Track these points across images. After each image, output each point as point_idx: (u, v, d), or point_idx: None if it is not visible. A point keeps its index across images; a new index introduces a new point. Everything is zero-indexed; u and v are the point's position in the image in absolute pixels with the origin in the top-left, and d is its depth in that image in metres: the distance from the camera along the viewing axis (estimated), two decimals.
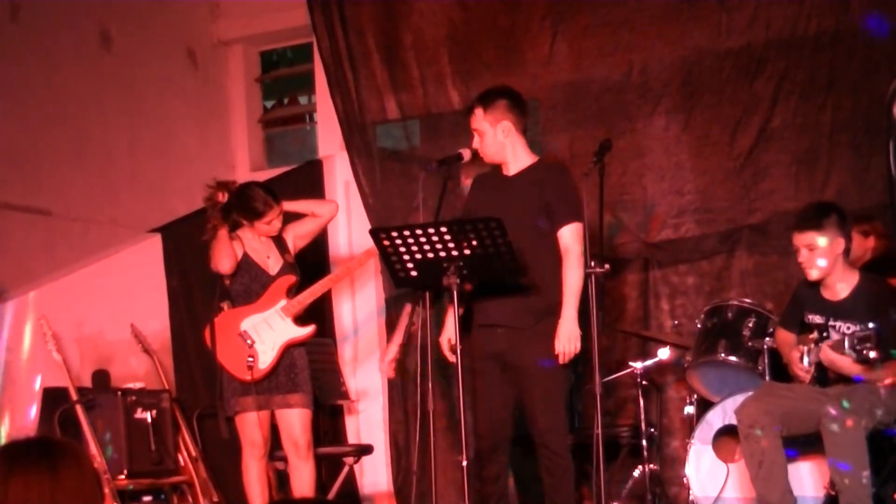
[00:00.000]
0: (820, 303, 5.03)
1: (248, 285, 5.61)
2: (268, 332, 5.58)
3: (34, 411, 6.33)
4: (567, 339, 5.01)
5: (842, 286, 4.99)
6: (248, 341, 5.53)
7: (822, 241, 4.92)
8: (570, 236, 5.09)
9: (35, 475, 2.33)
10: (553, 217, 5.11)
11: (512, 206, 5.07)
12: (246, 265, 5.61)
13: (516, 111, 5.25)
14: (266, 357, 5.53)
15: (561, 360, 5.04)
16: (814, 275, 4.98)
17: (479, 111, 5.23)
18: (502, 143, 5.22)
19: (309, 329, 5.66)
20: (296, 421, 5.59)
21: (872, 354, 4.67)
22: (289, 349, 5.59)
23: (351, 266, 5.99)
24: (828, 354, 4.87)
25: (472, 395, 5.14)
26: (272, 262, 5.67)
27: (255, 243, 5.67)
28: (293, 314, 5.62)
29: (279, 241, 5.74)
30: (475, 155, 5.33)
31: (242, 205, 5.61)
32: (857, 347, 4.69)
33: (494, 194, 5.26)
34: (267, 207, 5.61)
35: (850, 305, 4.95)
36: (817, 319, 5.03)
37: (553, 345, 5.04)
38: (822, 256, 4.94)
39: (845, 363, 4.83)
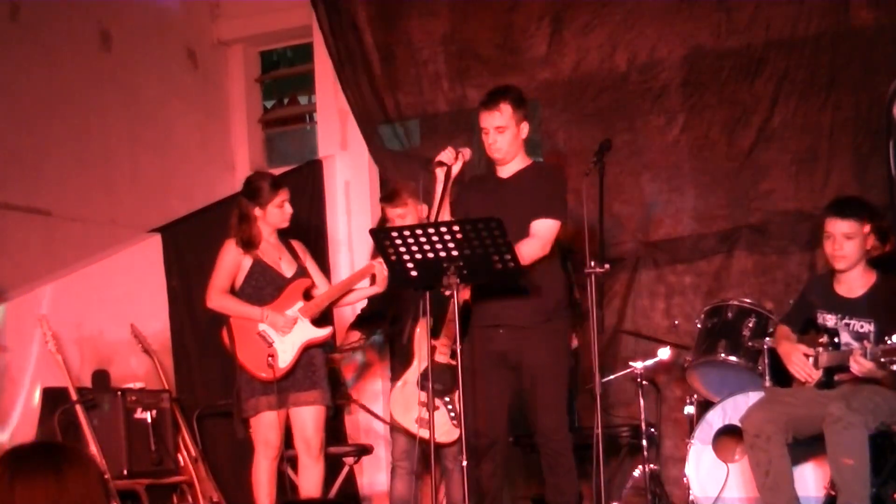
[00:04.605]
0: (833, 300, 5.01)
1: (260, 287, 5.59)
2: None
3: (25, 412, 6.34)
4: None
5: (859, 283, 4.98)
6: (268, 341, 5.54)
7: (861, 231, 4.92)
8: (542, 227, 5.05)
9: (41, 479, 2.32)
10: (536, 212, 5.08)
11: (507, 208, 4.97)
12: (259, 268, 5.60)
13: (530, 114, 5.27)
14: (286, 356, 5.52)
15: None
16: (843, 265, 4.96)
17: (506, 107, 5.08)
18: (520, 143, 5.18)
19: (327, 330, 5.68)
20: (310, 420, 5.58)
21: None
22: (307, 349, 5.60)
23: (364, 271, 5.90)
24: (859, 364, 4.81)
25: (471, 395, 5.13)
26: (285, 265, 5.67)
27: (265, 245, 5.66)
28: (311, 316, 5.62)
29: (290, 247, 5.74)
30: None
31: (259, 189, 5.60)
32: (882, 360, 4.67)
33: (491, 196, 5.19)
34: (278, 187, 5.62)
35: (866, 303, 4.93)
36: (830, 320, 4.99)
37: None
38: (856, 248, 4.93)
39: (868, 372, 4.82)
